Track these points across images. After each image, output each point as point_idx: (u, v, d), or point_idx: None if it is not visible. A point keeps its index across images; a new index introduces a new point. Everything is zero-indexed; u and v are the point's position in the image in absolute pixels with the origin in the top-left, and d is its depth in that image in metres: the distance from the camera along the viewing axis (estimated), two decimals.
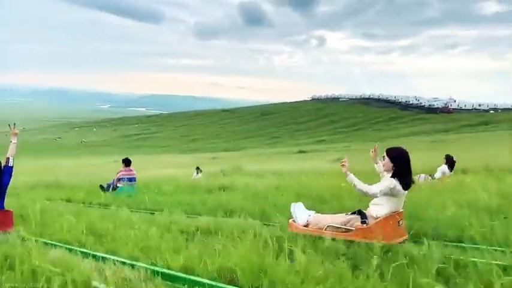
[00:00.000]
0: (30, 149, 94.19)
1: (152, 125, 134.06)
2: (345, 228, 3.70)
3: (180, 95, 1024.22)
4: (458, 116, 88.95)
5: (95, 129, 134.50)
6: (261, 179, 9.46)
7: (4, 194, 4.68)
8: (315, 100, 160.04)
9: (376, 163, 4.32)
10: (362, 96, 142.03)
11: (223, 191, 8.28)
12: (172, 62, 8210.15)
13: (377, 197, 3.69)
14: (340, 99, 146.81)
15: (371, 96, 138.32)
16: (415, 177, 4.61)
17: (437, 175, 8.73)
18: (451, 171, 8.77)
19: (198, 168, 15.35)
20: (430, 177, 8.77)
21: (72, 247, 3.90)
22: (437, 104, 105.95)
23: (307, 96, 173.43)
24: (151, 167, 24.64)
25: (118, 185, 9.56)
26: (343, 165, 3.79)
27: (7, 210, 4.64)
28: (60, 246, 3.92)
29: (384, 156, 3.91)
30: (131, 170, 9.76)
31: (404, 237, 3.69)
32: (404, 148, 3.86)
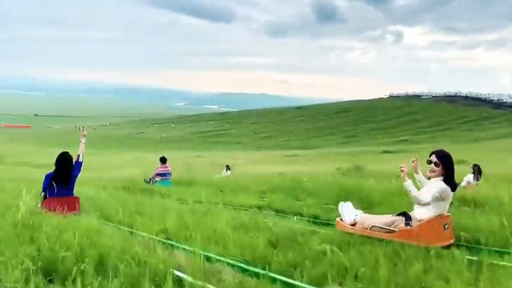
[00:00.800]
0: (117, 142, 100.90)
1: (225, 122, 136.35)
2: (389, 229, 3.71)
3: (250, 92, 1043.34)
4: None
5: (173, 125, 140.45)
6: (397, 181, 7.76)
7: (74, 184, 5.67)
8: (393, 97, 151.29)
9: (417, 173, 4.16)
10: (447, 94, 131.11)
11: None
12: (244, 61, 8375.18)
13: (430, 204, 3.64)
14: (422, 97, 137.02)
15: (457, 94, 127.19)
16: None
17: (463, 184, 8.71)
18: (478, 180, 8.78)
19: (227, 166, 16.30)
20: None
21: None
22: None
23: (384, 94, 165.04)
24: (242, 163, 24.03)
25: (156, 179, 11.12)
26: (402, 170, 3.73)
27: (76, 196, 5.64)
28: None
29: (430, 160, 3.87)
30: (167, 167, 11.45)
31: (450, 242, 3.64)
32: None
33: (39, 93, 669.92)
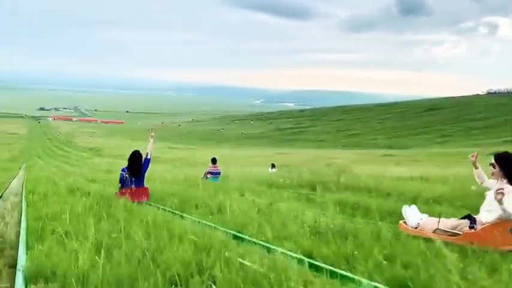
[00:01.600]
0: (201, 138, 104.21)
1: (305, 119, 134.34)
2: (453, 232, 3.71)
3: (329, 90, 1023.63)
4: None
5: (252, 122, 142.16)
6: None
7: (144, 176, 6.75)
8: (491, 94, 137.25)
9: (477, 168, 4.29)
10: None
11: None
12: (322, 57, 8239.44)
13: None
14: None
15: None
16: None
17: None
18: None
19: (272, 164, 16.88)
20: None
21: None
22: None
23: (481, 91, 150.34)
24: (345, 163, 22.04)
25: (208, 176, 12.53)
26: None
27: (145, 187, 6.74)
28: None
29: (493, 164, 3.91)
30: (216, 167, 12.80)
31: None
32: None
33: (130, 92, 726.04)
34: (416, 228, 4.02)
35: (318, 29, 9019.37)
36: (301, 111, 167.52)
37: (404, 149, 57.42)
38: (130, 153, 6.75)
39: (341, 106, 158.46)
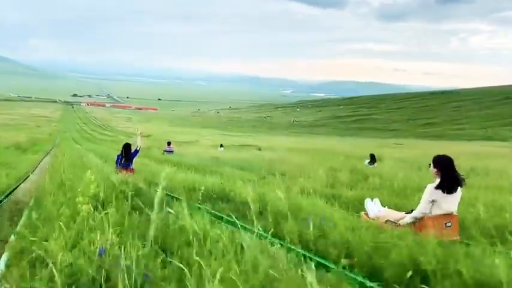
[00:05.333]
0: (250, 125, 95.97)
1: (356, 107, 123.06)
2: (398, 224, 4.14)
3: (359, 81, 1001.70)
4: None
5: (298, 109, 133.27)
6: None
7: (132, 161, 8.90)
8: None
9: None
10: None
11: None
12: (355, 47, 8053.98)
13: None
14: None
15: None
16: None
17: None
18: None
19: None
20: None
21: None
22: None
23: None
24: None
25: (164, 153, 20.52)
26: None
27: (132, 168, 8.79)
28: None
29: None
30: (171, 147, 21.51)
31: (455, 238, 3.82)
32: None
33: (160, 81, 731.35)
34: (374, 219, 4.44)
35: (352, 18, 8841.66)
36: (351, 98, 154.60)
37: (499, 141, 46.37)
38: (123, 144, 9.13)
39: (399, 93, 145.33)
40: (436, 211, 3.91)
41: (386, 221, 4.23)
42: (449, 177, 3.95)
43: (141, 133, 9.96)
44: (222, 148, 24.97)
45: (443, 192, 3.89)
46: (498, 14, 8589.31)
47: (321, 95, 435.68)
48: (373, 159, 13.41)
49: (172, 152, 20.58)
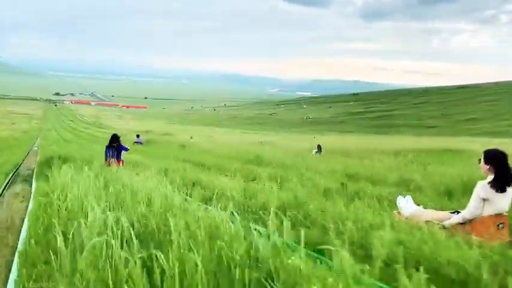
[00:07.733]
0: (254, 123, 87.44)
1: (368, 102, 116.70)
2: (442, 225, 3.73)
3: (343, 79, 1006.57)
4: None
5: (305, 106, 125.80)
6: None
7: (120, 153, 8.96)
8: None
9: None
10: None
11: None
12: (339, 46, 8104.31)
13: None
14: None
15: None
16: None
17: None
18: None
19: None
20: None
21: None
22: None
23: None
24: None
25: (135, 144, 21.49)
26: None
27: (121, 159, 8.98)
28: None
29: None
30: (140, 139, 22.83)
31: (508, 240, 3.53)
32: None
33: (144, 79, 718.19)
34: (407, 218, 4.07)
35: (336, 17, 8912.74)
36: (354, 94, 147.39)
37: None
38: (111, 134, 9.27)
39: (403, 89, 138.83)
40: (488, 211, 3.53)
41: (427, 221, 3.68)
42: (503, 174, 3.53)
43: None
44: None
45: (496, 191, 3.49)
46: (480, 14, 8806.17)
47: (307, 94, 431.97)
48: (319, 149, 15.81)
49: (141, 143, 21.84)
